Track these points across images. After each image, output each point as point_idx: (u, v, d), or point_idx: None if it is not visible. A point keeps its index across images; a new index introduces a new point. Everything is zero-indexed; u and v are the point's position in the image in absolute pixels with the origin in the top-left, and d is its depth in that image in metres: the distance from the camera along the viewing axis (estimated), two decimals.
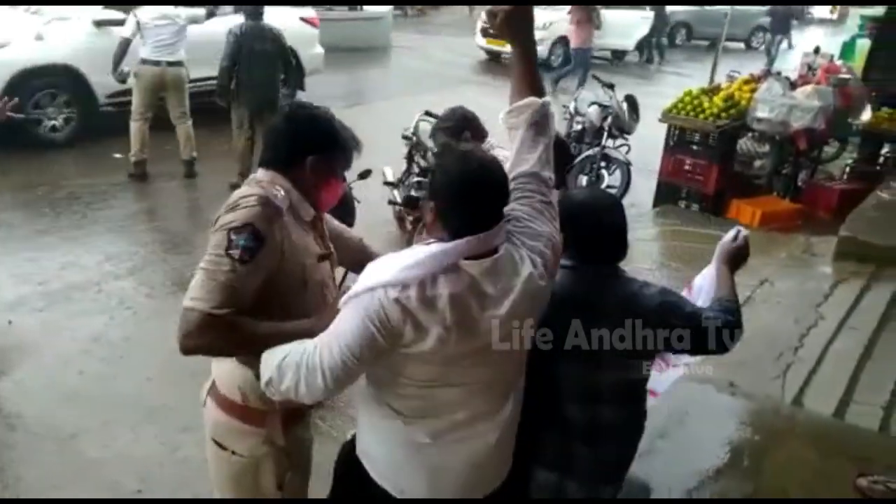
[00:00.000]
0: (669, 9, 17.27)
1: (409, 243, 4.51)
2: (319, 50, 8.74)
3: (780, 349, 3.83)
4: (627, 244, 1.83)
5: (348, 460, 1.76)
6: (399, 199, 4.95)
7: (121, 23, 6.37)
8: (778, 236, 5.31)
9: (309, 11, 8.72)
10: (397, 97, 9.68)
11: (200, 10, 6.11)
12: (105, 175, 6.00)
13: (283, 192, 1.59)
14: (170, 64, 5.83)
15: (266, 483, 1.72)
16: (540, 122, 1.61)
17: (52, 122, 6.49)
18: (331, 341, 1.44)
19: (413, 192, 4.78)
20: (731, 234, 2.04)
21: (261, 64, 5.57)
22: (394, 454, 1.60)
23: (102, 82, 6.47)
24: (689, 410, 3.27)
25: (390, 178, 5.00)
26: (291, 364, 1.46)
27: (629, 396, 1.83)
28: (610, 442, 1.82)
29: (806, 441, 3.19)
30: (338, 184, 1.74)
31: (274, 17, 7.67)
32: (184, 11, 5.90)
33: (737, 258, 1.98)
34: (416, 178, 4.82)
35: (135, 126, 5.91)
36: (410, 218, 4.71)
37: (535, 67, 1.66)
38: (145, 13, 5.72)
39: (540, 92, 1.65)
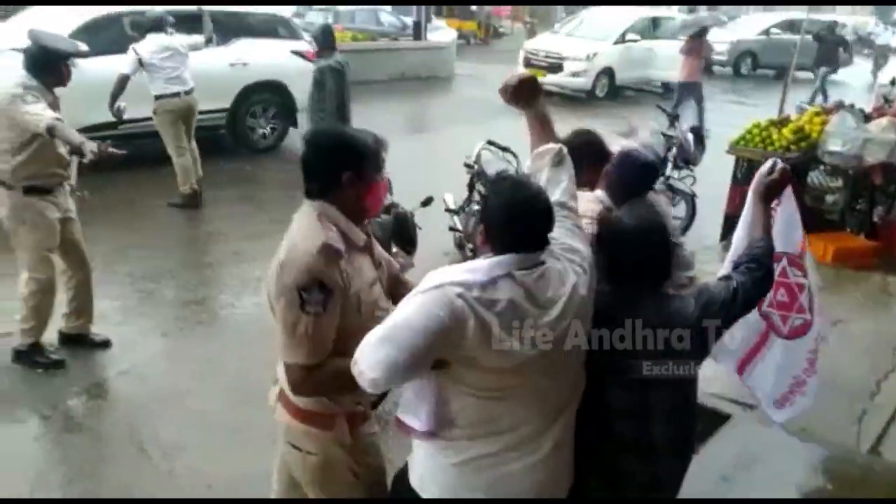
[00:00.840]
0: (736, 38, 16.99)
1: None
2: None
3: (854, 394, 3.65)
4: (671, 268, 1.88)
5: (402, 491, 1.81)
6: (460, 226, 5.02)
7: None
8: (852, 274, 5.09)
9: (302, 45, 7.89)
10: (458, 125, 9.82)
11: (199, 38, 6.18)
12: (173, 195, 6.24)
13: (336, 231, 1.70)
14: (186, 93, 5.93)
15: (343, 475, 1.85)
16: (560, 163, 1.85)
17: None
18: (397, 325, 1.48)
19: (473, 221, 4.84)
20: (767, 165, 2.05)
21: (348, 93, 5.81)
22: (448, 476, 1.65)
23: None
24: (755, 454, 3.15)
25: (451, 206, 5.07)
26: (370, 341, 1.50)
27: (678, 412, 1.84)
28: (662, 456, 1.84)
29: (884, 492, 3.03)
30: (377, 186, 1.82)
31: (265, 50, 7.53)
32: (184, 40, 5.94)
33: (772, 191, 2.02)
34: (476, 206, 4.87)
35: (179, 161, 5.96)
36: (471, 245, 4.77)
37: (548, 124, 1.95)
38: (145, 48, 5.68)
39: (556, 141, 1.92)
